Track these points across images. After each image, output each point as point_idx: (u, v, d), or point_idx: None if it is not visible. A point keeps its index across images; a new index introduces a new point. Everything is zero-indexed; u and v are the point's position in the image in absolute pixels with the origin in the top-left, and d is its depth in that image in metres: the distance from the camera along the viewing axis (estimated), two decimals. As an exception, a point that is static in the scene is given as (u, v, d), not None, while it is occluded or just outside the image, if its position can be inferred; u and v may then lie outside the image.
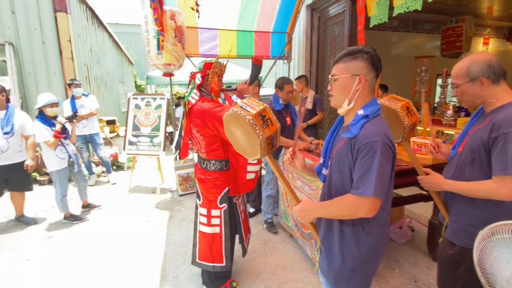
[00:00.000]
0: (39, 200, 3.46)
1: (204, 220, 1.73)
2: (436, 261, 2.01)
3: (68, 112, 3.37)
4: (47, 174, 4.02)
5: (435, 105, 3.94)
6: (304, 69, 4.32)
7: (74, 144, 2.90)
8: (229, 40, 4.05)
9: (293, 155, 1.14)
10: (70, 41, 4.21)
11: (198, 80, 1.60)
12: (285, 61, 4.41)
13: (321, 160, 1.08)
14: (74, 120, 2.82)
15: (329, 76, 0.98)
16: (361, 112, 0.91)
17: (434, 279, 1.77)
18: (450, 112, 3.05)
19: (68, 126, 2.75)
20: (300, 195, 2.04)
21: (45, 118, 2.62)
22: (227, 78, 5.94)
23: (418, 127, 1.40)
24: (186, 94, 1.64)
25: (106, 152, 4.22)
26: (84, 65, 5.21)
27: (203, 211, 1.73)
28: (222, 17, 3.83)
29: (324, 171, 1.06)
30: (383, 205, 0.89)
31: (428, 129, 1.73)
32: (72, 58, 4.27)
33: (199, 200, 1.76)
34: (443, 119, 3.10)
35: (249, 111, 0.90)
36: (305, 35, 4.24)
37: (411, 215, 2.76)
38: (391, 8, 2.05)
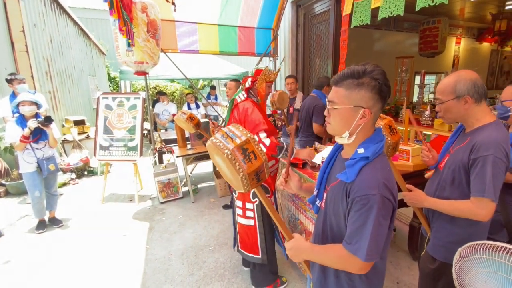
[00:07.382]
0: (-6, 216, 3.03)
1: (240, 212, 1.83)
2: (416, 260, 2.11)
3: (7, 112, 3.01)
4: (2, 185, 3.53)
5: (413, 104, 4.05)
6: (291, 67, 4.19)
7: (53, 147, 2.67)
8: (211, 35, 3.78)
9: (287, 177, 1.04)
10: (23, 31, 3.65)
11: (248, 84, 1.80)
12: (271, 58, 4.24)
13: (315, 192, 0.97)
14: (48, 124, 2.55)
15: (326, 100, 0.83)
16: (361, 150, 0.78)
17: (415, 280, 1.84)
18: (427, 112, 3.12)
19: (57, 128, 2.64)
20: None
21: (23, 118, 2.50)
22: (217, 74, 5.70)
23: (399, 127, 1.35)
24: (234, 95, 1.85)
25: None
26: (43, 59, 4.60)
27: (239, 203, 1.82)
28: (201, 10, 3.54)
29: (318, 203, 0.96)
30: (381, 255, 0.82)
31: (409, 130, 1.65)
32: (27, 51, 3.73)
33: (235, 194, 1.85)
34: (422, 119, 3.15)
35: (229, 144, 0.83)
36: (290, 32, 4.09)
37: (392, 215, 2.83)
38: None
